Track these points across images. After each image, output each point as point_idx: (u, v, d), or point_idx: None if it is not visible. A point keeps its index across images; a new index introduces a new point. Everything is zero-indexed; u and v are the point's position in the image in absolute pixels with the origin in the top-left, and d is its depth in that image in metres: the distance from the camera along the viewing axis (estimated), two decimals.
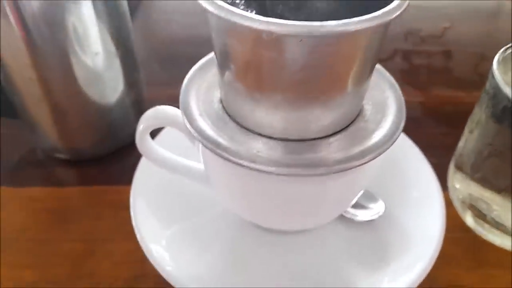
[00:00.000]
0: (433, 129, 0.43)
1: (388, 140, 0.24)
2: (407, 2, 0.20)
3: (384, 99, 0.27)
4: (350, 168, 0.23)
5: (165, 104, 0.29)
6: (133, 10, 0.36)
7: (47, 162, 0.39)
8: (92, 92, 0.35)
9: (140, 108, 0.40)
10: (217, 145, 0.23)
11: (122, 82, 0.37)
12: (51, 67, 0.32)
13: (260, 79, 0.22)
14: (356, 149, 0.23)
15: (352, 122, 0.25)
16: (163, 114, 0.27)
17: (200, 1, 0.20)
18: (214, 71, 0.28)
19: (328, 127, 0.24)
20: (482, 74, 0.50)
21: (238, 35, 0.20)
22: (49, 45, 0.31)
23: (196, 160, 0.29)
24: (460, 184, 0.33)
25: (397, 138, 0.24)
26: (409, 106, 0.26)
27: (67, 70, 0.33)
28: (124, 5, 0.36)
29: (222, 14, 0.19)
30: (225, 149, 0.23)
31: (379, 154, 0.24)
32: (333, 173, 0.22)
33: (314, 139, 0.24)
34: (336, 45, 0.20)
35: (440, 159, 0.37)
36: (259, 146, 0.23)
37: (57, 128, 0.36)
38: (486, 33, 0.58)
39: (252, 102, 0.23)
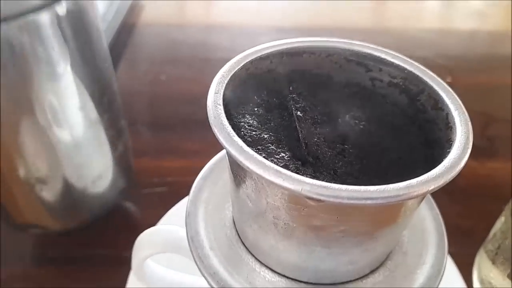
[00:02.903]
0: (446, 208, 0.40)
1: (432, 284, 0.21)
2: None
3: (420, 221, 0.24)
4: None
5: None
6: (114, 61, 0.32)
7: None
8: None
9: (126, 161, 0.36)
10: None
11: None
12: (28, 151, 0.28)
13: (290, 230, 0.18)
14: None
15: (389, 254, 0.22)
16: (163, 240, 0.23)
17: (244, 162, 0.16)
18: (223, 181, 0.25)
19: (365, 267, 0.21)
20: (491, 138, 0.47)
21: (280, 195, 0.16)
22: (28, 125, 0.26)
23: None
24: (498, 283, 0.30)
25: (441, 279, 0.21)
26: None
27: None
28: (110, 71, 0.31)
29: (275, 180, 0.15)
30: None
31: None
32: None
33: (348, 281, 0.21)
34: (394, 206, 0.16)
35: (459, 248, 0.33)
36: None
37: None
38: (489, 87, 0.56)
39: (275, 240, 0.19)
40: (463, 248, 0.34)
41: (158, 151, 0.45)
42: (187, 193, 0.24)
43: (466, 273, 0.32)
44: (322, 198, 0.15)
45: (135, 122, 0.48)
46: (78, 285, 0.33)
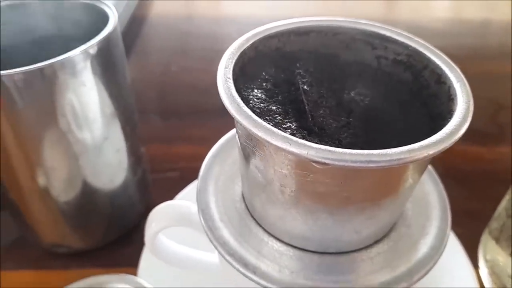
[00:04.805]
0: (453, 191, 0.40)
1: (435, 254, 0.21)
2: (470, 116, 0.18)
3: (424, 195, 0.24)
4: None
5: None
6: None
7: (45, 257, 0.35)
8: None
9: (145, 183, 0.37)
10: (245, 264, 0.20)
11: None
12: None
13: (297, 198, 0.19)
14: (402, 267, 0.21)
15: (393, 226, 0.22)
16: (175, 214, 0.24)
17: (253, 129, 0.17)
18: (232, 158, 0.26)
19: (370, 237, 0.21)
20: (499, 125, 0.48)
21: (287, 162, 0.17)
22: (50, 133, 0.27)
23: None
24: (503, 261, 0.30)
25: (443, 250, 0.22)
26: None
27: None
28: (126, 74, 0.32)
29: (284, 146, 0.16)
30: (254, 270, 0.20)
31: (427, 272, 0.21)
32: None
33: (353, 251, 0.21)
34: (398, 169, 0.17)
35: (466, 229, 0.34)
36: (292, 265, 0.21)
37: (57, 226, 0.32)
38: (498, 75, 0.56)
39: (283, 210, 0.20)
40: (469, 229, 0.34)
41: (169, 138, 0.46)
42: (197, 178, 0.25)
43: (472, 253, 0.33)
44: (327, 161, 0.15)
45: (146, 110, 0.49)
46: None
